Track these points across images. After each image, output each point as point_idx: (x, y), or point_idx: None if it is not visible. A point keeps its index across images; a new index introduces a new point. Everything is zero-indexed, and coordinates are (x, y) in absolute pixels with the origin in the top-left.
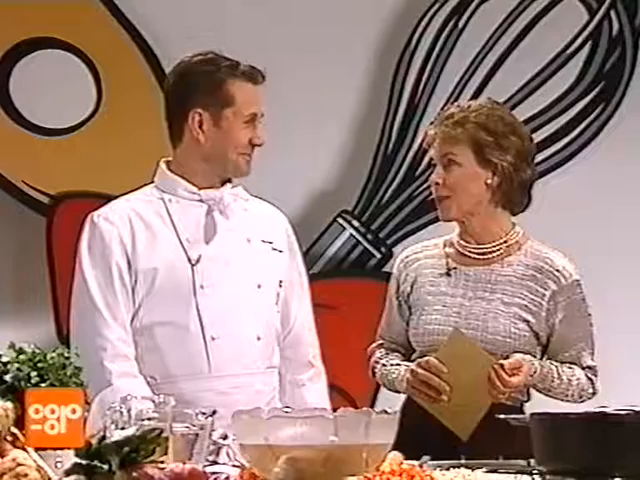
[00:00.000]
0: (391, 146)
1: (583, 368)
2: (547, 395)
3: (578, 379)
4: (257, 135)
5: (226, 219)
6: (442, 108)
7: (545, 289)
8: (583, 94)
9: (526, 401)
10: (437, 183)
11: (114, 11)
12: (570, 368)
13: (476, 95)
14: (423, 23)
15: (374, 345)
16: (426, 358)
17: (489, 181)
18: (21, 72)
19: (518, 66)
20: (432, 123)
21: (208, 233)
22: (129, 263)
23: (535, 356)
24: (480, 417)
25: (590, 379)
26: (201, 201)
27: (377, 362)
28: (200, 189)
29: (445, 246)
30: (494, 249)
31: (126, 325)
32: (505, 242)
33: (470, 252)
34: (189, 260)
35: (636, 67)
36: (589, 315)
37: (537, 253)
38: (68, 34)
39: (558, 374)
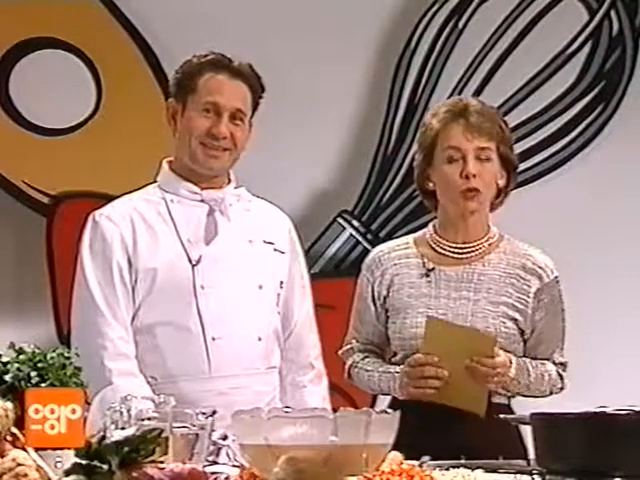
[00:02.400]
0: (391, 146)
1: (555, 364)
2: (525, 394)
3: (550, 374)
4: (216, 126)
5: (227, 220)
6: None
7: (529, 286)
8: (583, 94)
9: (514, 396)
10: (474, 175)
11: (114, 11)
12: (543, 364)
13: (476, 95)
14: (423, 23)
15: (347, 348)
16: (412, 357)
17: (500, 182)
18: (21, 72)
19: (518, 66)
20: (439, 113)
21: (209, 234)
22: (130, 263)
23: (519, 353)
24: (487, 389)
25: (560, 375)
26: (203, 201)
27: (358, 367)
28: (202, 189)
29: (417, 245)
30: (475, 248)
31: (127, 324)
32: (487, 240)
33: (449, 251)
34: (190, 260)
35: (636, 67)
36: (563, 311)
37: (516, 250)
38: (68, 34)
39: (533, 369)
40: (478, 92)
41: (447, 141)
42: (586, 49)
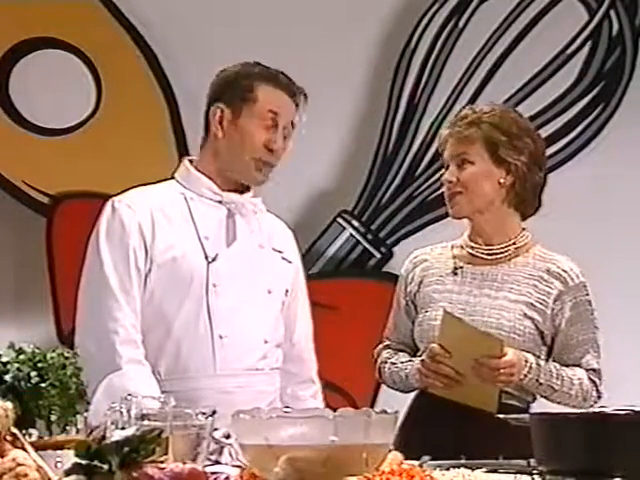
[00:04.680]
0: (391, 146)
1: (587, 370)
2: (551, 398)
3: (580, 379)
4: (274, 140)
5: (244, 224)
6: (442, 108)
7: (552, 289)
8: (583, 94)
9: (532, 401)
10: (450, 181)
11: (114, 11)
12: (571, 368)
13: (476, 95)
14: (423, 23)
15: (381, 346)
16: (430, 346)
17: (502, 180)
18: (21, 72)
19: (518, 66)
20: (445, 125)
21: (229, 235)
22: (146, 252)
23: (539, 356)
24: (498, 387)
25: (593, 381)
26: (220, 202)
27: (385, 362)
28: (223, 191)
29: (453, 248)
30: (503, 250)
31: (137, 312)
32: (514, 244)
33: (479, 252)
34: (206, 257)
35: (636, 67)
36: (595, 318)
37: (544, 256)
38: (68, 34)
39: (557, 371)
40: (478, 92)
41: (444, 153)
42: (586, 49)
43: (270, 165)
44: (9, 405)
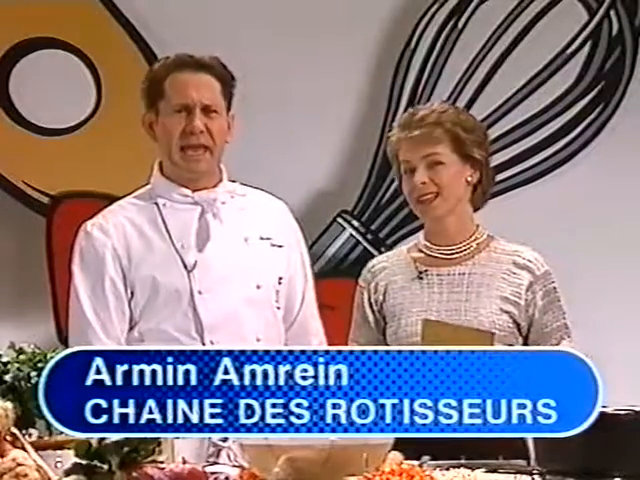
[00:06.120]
0: None
1: None
2: None
3: None
4: (190, 123)
5: (220, 221)
6: None
7: (521, 280)
8: (583, 94)
9: None
10: (423, 182)
11: (114, 11)
12: None
13: (476, 95)
14: (423, 23)
15: None
16: None
17: (469, 178)
18: (21, 72)
19: (518, 66)
20: (397, 129)
21: (200, 238)
22: (124, 275)
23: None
24: None
25: None
26: (195, 203)
27: None
28: (194, 191)
29: (409, 251)
30: (464, 248)
31: (118, 336)
32: (475, 240)
33: (439, 253)
34: (185, 267)
35: (636, 67)
36: (562, 304)
37: (506, 249)
38: (68, 34)
39: None
40: (478, 92)
41: (400, 155)
42: (586, 49)
43: (198, 146)
44: (9, 405)
